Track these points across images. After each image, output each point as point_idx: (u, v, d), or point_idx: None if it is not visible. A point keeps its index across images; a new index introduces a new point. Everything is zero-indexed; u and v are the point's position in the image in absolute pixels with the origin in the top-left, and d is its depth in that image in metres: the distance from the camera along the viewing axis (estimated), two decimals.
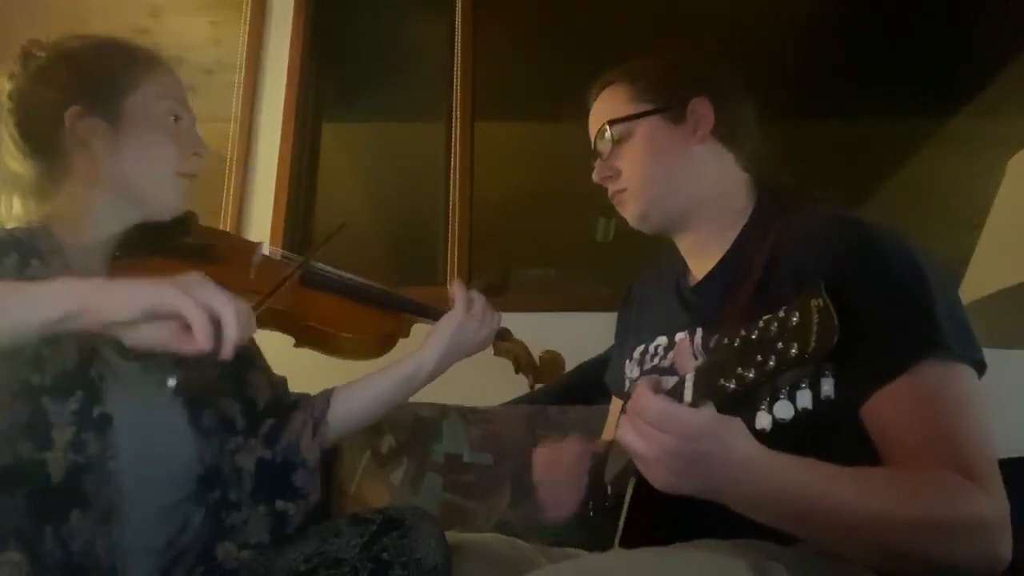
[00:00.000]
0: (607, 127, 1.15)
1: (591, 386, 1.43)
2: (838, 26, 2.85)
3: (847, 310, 0.60)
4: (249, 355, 1.21)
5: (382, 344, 1.21)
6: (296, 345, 1.19)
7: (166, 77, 1.14)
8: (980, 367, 0.89)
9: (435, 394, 1.30)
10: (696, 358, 0.75)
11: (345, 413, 1.19)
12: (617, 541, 0.93)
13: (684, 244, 1.18)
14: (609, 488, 1.01)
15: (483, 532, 1.25)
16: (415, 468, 1.62)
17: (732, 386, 0.66)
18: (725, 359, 0.68)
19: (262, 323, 1.14)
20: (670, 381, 0.76)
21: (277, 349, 1.22)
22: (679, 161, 1.13)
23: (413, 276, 2.58)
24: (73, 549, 0.92)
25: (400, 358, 1.21)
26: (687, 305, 1.14)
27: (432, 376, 1.21)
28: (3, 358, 0.91)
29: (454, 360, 1.21)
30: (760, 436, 0.70)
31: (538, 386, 1.35)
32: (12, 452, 0.92)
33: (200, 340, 0.83)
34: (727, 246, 1.10)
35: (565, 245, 3.15)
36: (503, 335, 1.27)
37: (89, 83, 1.09)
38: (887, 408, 0.86)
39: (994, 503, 0.81)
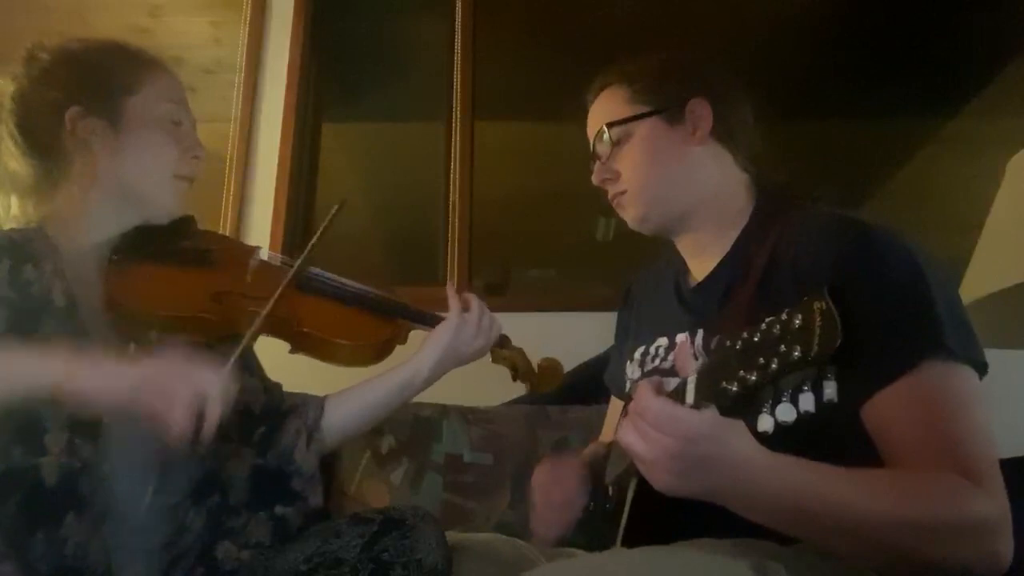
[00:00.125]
0: (606, 129, 1.14)
1: (591, 386, 1.42)
2: (838, 26, 2.85)
3: (847, 311, 0.60)
4: (245, 360, 1.20)
5: (379, 351, 1.20)
6: (292, 351, 1.18)
7: (167, 80, 1.14)
8: (981, 368, 0.89)
9: (435, 394, 1.29)
10: (697, 359, 0.75)
11: (340, 420, 1.18)
12: (618, 542, 0.93)
13: (684, 245, 1.18)
14: (610, 489, 1.01)
15: (483, 532, 1.25)
16: (415, 468, 1.62)
17: (734, 388, 0.66)
18: (727, 361, 0.68)
19: (259, 329, 1.14)
20: (671, 382, 0.76)
21: (275, 354, 1.22)
22: (678, 162, 1.12)
23: (413, 276, 2.58)
24: (66, 553, 0.92)
25: (396, 365, 1.20)
26: (687, 306, 1.13)
27: (427, 383, 1.20)
28: None
29: (450, 368, 1.20)
30: (762, 438, 0.70)
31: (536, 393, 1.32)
32: (5, 458, 0.92)
33: (177, 438, 0.86)
34: (727, 247, 1.10)
35: (565, 245, 3.15)
36: (502, 342, 1.26)
37: (90, 84, 1.10)
38: (888, 409, 0.86)
39: (995, 504, 0.81)
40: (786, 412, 0.64)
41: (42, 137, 1.09)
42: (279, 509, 1.10)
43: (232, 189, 2.21)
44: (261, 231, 2.16)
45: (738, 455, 0.73)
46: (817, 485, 0.76)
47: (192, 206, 1.18)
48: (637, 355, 1.18)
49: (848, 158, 2.95)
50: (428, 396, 1.27)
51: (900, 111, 2.90)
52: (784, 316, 0.64)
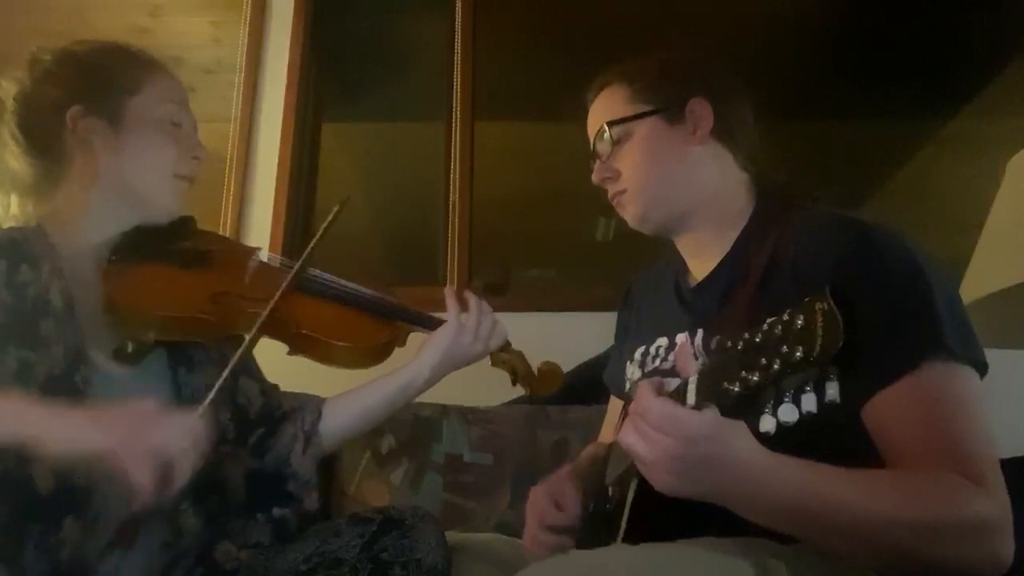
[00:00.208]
0: (606, 128, 1.14)
1: (591, 386, 1.42)
2: (838, 26, 2.85)
3: (848, 311, 0.60)
4: (243, 362, 1.20)
5: (377, 353, 1.19)
6: (290, 353, 1.17)
7: (168, 81, 1.15)
8: (982, 368, 0.89)
9: (435, 394, 1.29)
10: (697, 359, 0.75)
11: (337, 424, 1.18)
12: (618, 542, 0.93)
13: (684, 244, 1.18)
14: (611, 489, 1.01)
15: (483, 532, 1.25)
16: (415, 468, 1.62)
17: (736, 389, 0.66)
18: (728, 362, 0.68)
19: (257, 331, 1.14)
20: (672, 383, 0.76)
21: (273, 357, 1.21)
22: (678, 162, 1.12)
23: (413, 276, 2.57)
24: (63, 556, 0.92)
25: (394, 369, 1.19)
26: (687, 306, 1.13)
27: (425, 388, 1.19)
28: None
29: (448, 372, 1.20)
30: (763, 439, 0.70)
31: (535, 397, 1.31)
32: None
33: (141, 495, 0.84)
34: (727, 247, 1.10)
35: (565, 245, 3.15)
36: (502, 346, 1.25)
37: (92, 84, 1.10)
38: (888, 409, 0.86)
39: (996, 504, 0.81)
40: (788, 413, 0.64)
41: (43, 136, 1.09)
42: (277, 511, 1.10)
43: (232, 189, 2.21)
44: (261, 231, 2.16)
45: (739, 456, 0.73)
46: (818, 485, 0.76)
47: (192, 206, 1.18)
48: (637, 355, 1.18)
49: (848, 158, 2.95)
50: (428, 396, 1.27)
51: (900, 111, 2.90)
52: (786, 317, 0.64)
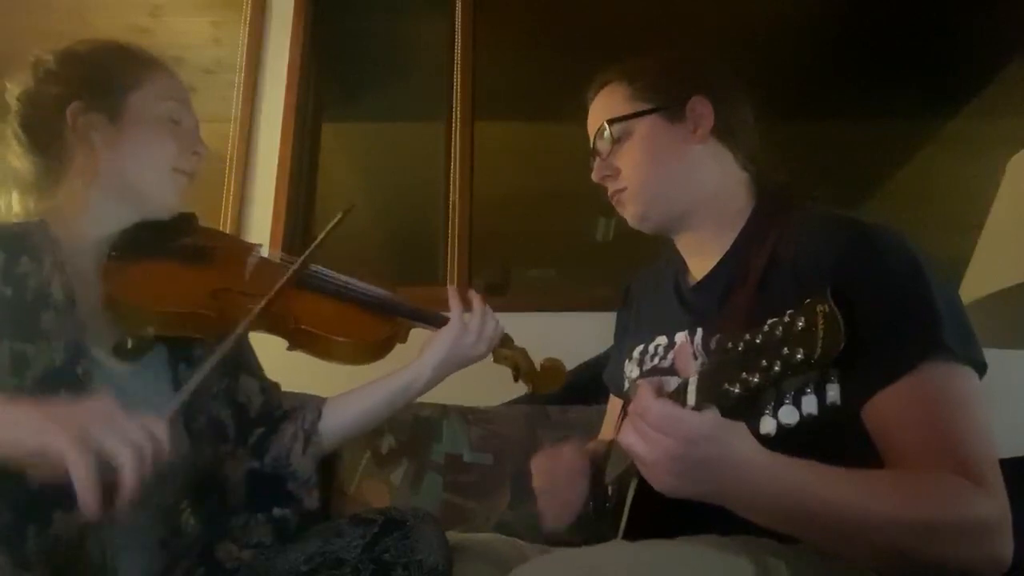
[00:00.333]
0: (606, 126, 1.14)
1: (591, 386, 1.42)
2: (838, 26, 2.85)
3: (848, 312, 0.60)
4: (243, 360, 1.20)
5: (377, 349, 1.18)
6: (289, 348, 1.17)
7: (169, 79, 1.16)
8: (981, 368, 0.89)
9: (435, 394, 1.29)
10: (696, 358, 0.75)
11: (337, 424, 1.18)
12: (618, 541, 0.93)
13: (684, 243, 1.18)
14: (610, 489, 1.01)
15: (483, 532, 1.25)
16: (415, 468, 1.62)
17: (736, 390, 0.66)
18: (729, 363, 0.68)
19: (254, 326, 1.14)
20: (671, 382, 0.76)
21: (274, 357, 1.21)
22: (679, 160, 1.12)
23: (413, 276, 2.58)
24: (59, 550, 0.91)
25: (395, 369, 1.19)
26: (687, 305, 1.13)
27: (427, 388, 1.19)
28: None
29: (450, 372, 1.19)
30: (764, 440, 0.70)
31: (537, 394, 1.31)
32: None
33: (83, 500, 0.74)
34: (727, 246, 1.10)
35: (565, 245, 3.15)
36: (504, 342, 1.25)
37: (92, 80, 1.11)
38: (888, 409, 0.86)
39: (995, 504, 0.81)
40: (788, 414, 0.64)
41: (44, 133, 1.10)
42: (277, 511, 1.10)
43: (232, 189, 2.21)
44: (261, 231, 2.16)
45: (739, 456, 0.73)
46: (817, 486, 0.76)
47: (192, 206, 1.18)
48: (636, 354, 1.18)
49: (848, 158, 2.95)
50: (428, 396, 1.27)
51: (900, 111, 2.90)
52: (787, 318, 0.64)
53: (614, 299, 1.38)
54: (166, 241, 1.14)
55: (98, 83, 1.11)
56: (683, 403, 0.72)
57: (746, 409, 0.68)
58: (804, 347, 0.61)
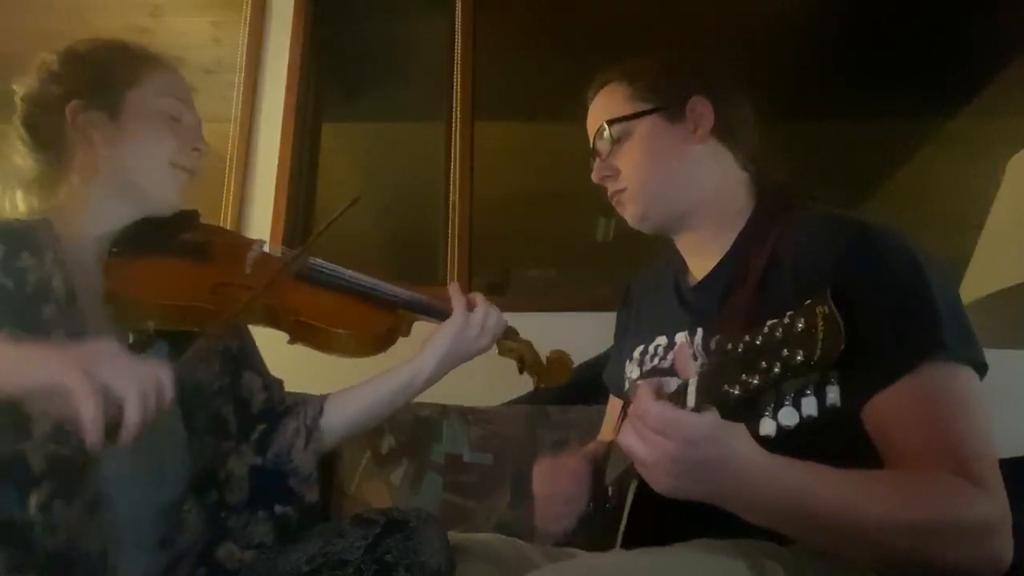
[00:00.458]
0: (606, 126, 1.14)
1: (592, 386, 1.42)
2: (838, 26, 2.85)
3: (848, 312, 0.60)
4: (245, 355, 1.20)
5: (379, 342, 1.18)
6: (290, 341, 1.16)
7: (170, 76, 1.16)
8: (981, 368, 0.89)
9: (435, 394, 1.29)
10: (696, 359, 0.75)
11: (340, 420, 1.17)
12: (618, 543, 0.93)
13: (684, 244, 1.18)
14: (610, 489, 1.01)
15: (483, 532, 1.25)
16: (415, 468, 1.62)
17: (736, 392, 0.66)
18: (729, 364, 0.68)
19: (254, 319, 1.14)
20: (671, 382, 0.76)
21: (279, 348, 1.21)
22: (679, 160, 1.12)
23: (413, 276, 2.57)
24: (59, 540, 0.91)
25: (397, 364, 1.18)
26: (687, 305, 1.13)
27: (429, 383, 1.19)
28: None
29: (453, 366, 1.19)
30: (763, 442, 0.70)
31: (543, 387, 1.28)
32: None
33: (87, 432, 0.75)
34: (727, 246, 1.10)
35: (565, 245, 3.15)
36: (509, 334, 1.24)
37: (91, 78, 1.12)
38: (888, 410, 0.86)
39: (995, 505, 0.81)
40: (788, 416, 0.64)
41: (46, 132, 1.11)
42: (278, 508, 1.10)
43: (232, 189, 2.21)
44: (261, 231, 2.16)
45: (739, 458, 0.73)
46: (817, 487, 0.76)
47: (193, 205, 1.19)
48: (636, 354, 1.18)
49: (848, 158, 2.95)
50: (428, 396, 1.27)
51: (900, 111, 2.90)
52: (787, 320, 0.64)
53: (614, 299, 1.38)
54: (167, 237, 1.14)
55: (98, 81, 1.12)
56: (683, 404, 0.72)
57: (746, 410, 0.68)
58: (804, 349, 0.61)
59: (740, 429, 0.72)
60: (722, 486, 0.75)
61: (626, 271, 1.40)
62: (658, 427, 0.72)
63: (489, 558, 1.02)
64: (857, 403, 0.88)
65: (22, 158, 1.12)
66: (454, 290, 1.21)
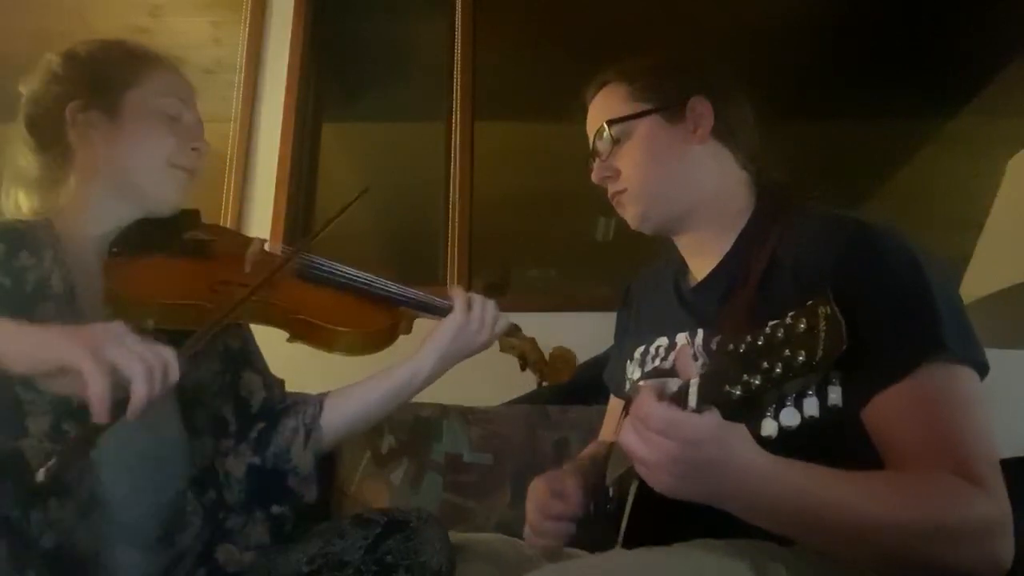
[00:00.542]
0: (606, 127, 1.14)
1: (591, 386, 1.42)
2: (838, 26, 2.85)
3: (849, 312, 0.60)
4: (246, 354, 1.20)
5: (379, 339, 1.17)
6: (290, 340, 1.15)
7: (170, 76, 1.17)
8: (982, 368, 0.89)
9: (435, 394, 1.28)
10: (697, 359, 0.75)
11: (339, 419, 1.17)
12: (619, 542, 0.93)
13: (684, 244, 1.18)
14: (611, 490, 1.01)
15: (483, 532, 1.25)
16: (415, 468, 1.62)
17: (738, 393, 0.66)
18: (730, 365, 0.67)
19: (253, 317, 1.14)
20: (673, 384, 0.76)
21: (278, 346, 1.21)
22: (679, 161, 1.12)
23: (413, 276, 2.57)
24: (54, 538, 0.91)
25: (396, 363, 1.18)
26: (687, 306, 1.13)
27: (429, 380, 1.18)
28: None
29: (452, 364, 1.19)
30: (765, 443, 0.70)
31: (546, 384, 1.26)
32: None
33: (95, 408, 0.78)
34: (728, 247, 1.10)
35: (565, 245, 3.15)
36: (511, 331, 1.23)
37: (91, 79, 1.13)
38: (889, 410, 0.86)
39: (996, 506, 0.81)
40: (790, 417, 0.63)
41: (47, 133, 1.12)
42: (275, 508, 1.10)
43: (232, 189, 2.21)
44: (261, 231, 2.16)
45: (740, 459, 0.73)
46: (818, 488, 0.76)
47: (193, 206, 1.19)
48: (637, 354, 1.18)
49: (848, 158, 2.95)
50: (428, 396, 1.27)
51: (900, 111, 2.91)
52: (788, 320, 0.64)
53: (614, 299, 1.38)
54: (167, 237, 1.14)
55: (97, 82, 1.12)
56: (684, 405, 0.72)
57: (747, 411, 0.68)
58: (806, 349, 0.61)
59: (741, 430, 0.72)
60: (723, 487, 0.75)
61: (626, 271, 1.40)
62: (659, 428, 0.72)
63: (489, 558, 1.02)
64: (858, 403, 0.88)
65: (25, 159, 1.13)
66: (458, 291, 1.20)
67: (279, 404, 1.19)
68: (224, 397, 1.15)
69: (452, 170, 2.31)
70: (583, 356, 1.66)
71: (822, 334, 0.60)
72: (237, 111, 2.30)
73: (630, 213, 1.16)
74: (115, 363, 0.79)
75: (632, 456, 0.76)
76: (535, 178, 2.99)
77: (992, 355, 0.90)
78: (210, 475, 1.10)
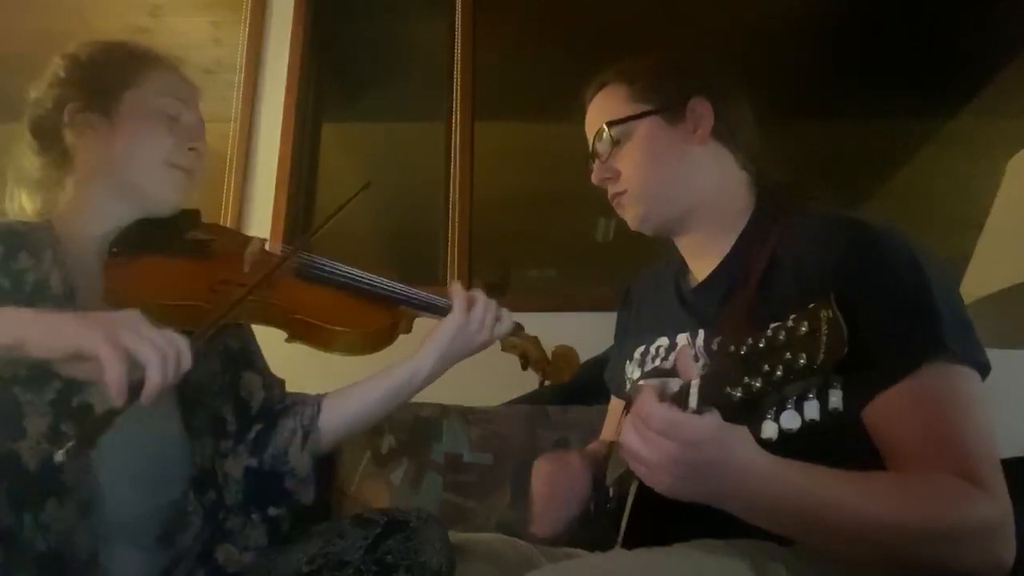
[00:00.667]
0: (605, 128, 1.14)
1: (591, 386, 1.42)
2: (838, 26, 2.85)
3: (849, 313, 0.60)
4: (247, 354, 1.20)
5: (378, 339, 1.16)
6: (288, 340, 1.15)
7: (170, 76, 1.17)
8: (983, 369, 0.89)
9: (435, 394, 1.28)
10: (697, 360, 0.75)
11: (338, 420, 1.17)
12: (619, 542, 0.93)
13: (684, 245, 1.18)
14: (611, 489, 1.01)
15: (483, 532, 1.25)
16: (415, 468, 1.62)
17: (738, 394, 0.66)
18: (731, 367, 0.68)
19: (251, 317, 1.13)
20: (674, 384, 0.76)
21: (277, 346, 1.21)
22: (679, 162, 1.12)
23: (413, 276, 2.57)
24: (51, 539, 0.91)
25: (394, 363, 1.18)
26: (688, 306, 1.13)
27: (429, 380, 1.18)
28: None
29: (452, 363, 1.18)
30: (765, 445, 0.70)
31: (548, 384, 1.26)
32: None
33: (112, 391, 0.80)
34: (728, 247, 1.10)
35: (565, 245, 3.15)
36: (513, 330, 1.23)
37: (89, 80, 1.13)
38: (889, 411, 0.86)
39: (997, 506, 0.81)
40: (790, 419, 0.63)
41: (48, 134, 1.13)
42: (272, 510, 1.10)
43: (232, 189, 2.21)
44: (261, 230, 2.16)
45: (740, 460, 0.73)
46: (818, 489, 0.76)
47: (193, 206, 1.19)
48: (637, 355, 1.18)
49: (848, 158, 2.95)
50: (428, 396, 1.26)
51: (900, 111, 2.91)
52: (790, 323, 0.64)
53: (614, 299, 1.38)
54: (167, 237, 1.14)
55: (95, 83, 1.13)
56: (685, 406, 0.72)
57: (747, 413, 0.68)
58: (807, 352, 0.61)
59: (741, 431, 0.72)
60: (723, 488, 0.75)
61: (626, 271, 1.40)
62: (660, 428, 0.72)
63: (489, 558, 1.02)
64: (858, 404, 0.88)
65: (28, 161, 1.14)
66: (457, 289, 1.19)
67: (278, 404, 1.19)
68: (224, 397, 1.15)
69: (452, 170, 2.31)
70: (583, 356, 1.66)
71: (823, 337, 0.60)
72: (237, 111, 2.30)
73: (630, 214, 1.16)
74: (131, 349, 0.81)
75: (632, 456, 0.76)
76: (535, 178, 2.99)
77: (992, 355, 0.90)
78: (210, 475, 1.10)
